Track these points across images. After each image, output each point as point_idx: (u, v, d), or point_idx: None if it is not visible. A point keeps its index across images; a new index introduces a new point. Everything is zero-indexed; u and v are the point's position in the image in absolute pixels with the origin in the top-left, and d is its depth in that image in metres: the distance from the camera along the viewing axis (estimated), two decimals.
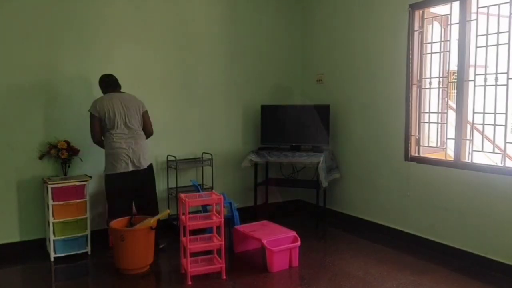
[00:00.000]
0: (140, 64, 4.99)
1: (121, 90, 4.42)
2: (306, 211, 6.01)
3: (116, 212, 4.24)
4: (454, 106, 4.41)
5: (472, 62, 4.16)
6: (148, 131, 4.45)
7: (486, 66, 4.10)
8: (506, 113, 3.90)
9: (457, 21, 4.23)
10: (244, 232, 4.33)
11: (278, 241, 4.08)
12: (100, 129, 4.29)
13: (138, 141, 4.28)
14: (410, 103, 4.66)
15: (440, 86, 4.59)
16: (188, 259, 3.80)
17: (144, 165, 4.32)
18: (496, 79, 3.97)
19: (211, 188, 5.23)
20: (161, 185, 5.21)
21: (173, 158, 5.10)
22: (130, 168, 4.23)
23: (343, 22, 5.46)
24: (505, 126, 3.93)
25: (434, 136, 4.68)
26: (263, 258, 4.06)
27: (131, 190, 4.31)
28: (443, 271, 4.00)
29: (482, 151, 4.20)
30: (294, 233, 4.23)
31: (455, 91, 4.37)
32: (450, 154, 4.46)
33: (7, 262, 4.26)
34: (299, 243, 4.14)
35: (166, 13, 5.12)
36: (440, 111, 4.60)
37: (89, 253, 4.46)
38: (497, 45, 3.98)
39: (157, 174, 5.12)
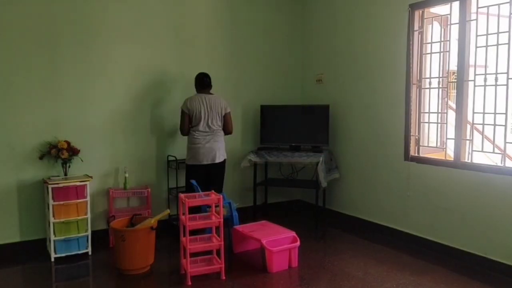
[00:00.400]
0: (140, 65, 5.00)
1: (210, 91, 4.89)
2: (305, 211, 6.01)
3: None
4: (454, 106, 4.41)
5: (472, 62, 4.16)
6: (227, 130, 4.92)
7: (486, 66, 4.10)
8: (506, 113, 3.90)
9: (457, 21, 4.23)
10: (243, 233, 4.33)
11: (278, 242, 4.08)
12: (189, 125, 4.79)
13: (216, 139, 4.78)
14: (410, 103, 4.66)
15: (440, 86, 4.59)
16: (188, 260, 3.80)
17: (218, 160, 4.79)
18: (496, 79, 3.97)
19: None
20: (162, 185, 5.23)
21: (173, 158, 5.11)
22: (206, 162, 4.74)
23: (343, 22, 5.46)
24: (505, 126, 3.93)
25: (434, 136, 4.67)
26: (263, 258, 4.06)
27: (204, 180, 4.74)
28: (442, 271, 4.00)
29: (482, 151, 4.20)
30: (293, 233, 4.23)
31: (455, 91, 4.37)
32: (450, 154, 4.46)
33: (8, 262, 4.27)
34: (298, 243, 4.15)
35: (166, 13, 5.12)
36: (440, 111, 4.60)
37: (90, 253, 4.46)
38: (497, 45, 3.98)
39: (158, 175, 5.16)
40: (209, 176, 4.81)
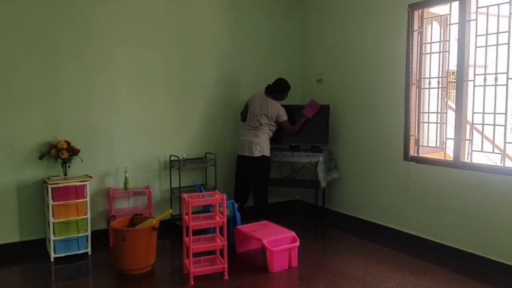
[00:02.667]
0: (141, 65, 4.98)
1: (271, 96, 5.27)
2: (305, 211, 6.01)
3: (235, 189, 5.32)
4: (453, 106, 4.41)
5: (471, 62, 4.17)
6: (288, 133, 5.40)
7: (485, 66, 4.11)
8: (505, 113, 3.92)
9: (457, 21, 4.24)
10: (245, 232, 4.33)
11: (278, 241, 4.08)
12: (245, 115, 5.32)
13: (257, 134, 5.12)
14: (409, 103, 4.67)
15: (440, 86, 4.60)
16: (191, 260, 3.79)
17: (256, 154, 5.06)
18: (496, 79, 3.98)
19: (214, 188, 5.24)
20: (163, 185, 5.23)
21: (175, 158, 5.12)
22: (246, 154, 5.11)
23: (343, 22, 5.47)
24: (505, 126, 3.94)
25: (433, 136, 4.68)
26: (264, 258, 4.06)
27: (246, 173, 5.22)
28: (442, 271, 4.02)
29: (481, 151, 4.21)
30: (293, 233, 4.22)
31: (455, 91, 4.38)
32: (450, 154, 4.47)
33: (7, 262, 4.26)
34: (298, 243, 4.13)
35: (167, 13, 5.11)
36: (439, 111, 4.61)
37: (90, 253, 4.46)
38: (497, 45, 4.00)
39: (160, 175, 5.16)
40: (249, 170, 5.17)
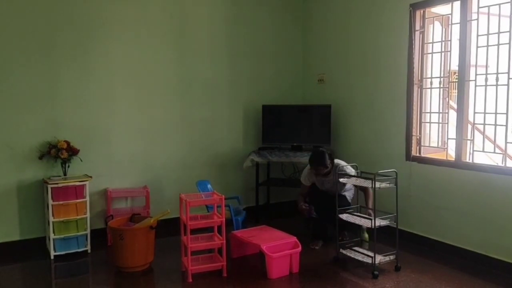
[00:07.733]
0: (140, 65, 4.99)
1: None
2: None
3: None
4: (455, 106, 4.40)
5: (473, 62, 4.15)
6: None
7: (487, 66, 4.09)
8: (506, 113, 3.89)
9: (458, 21, 4.23)
10: (241, 238, 4.21)
11: (278, 247, 3.95)
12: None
13: None
14: (411, 103, 4.65)
15: (441, 86, 4.59)
16: (189, 257, 3.79)
17: None
18: (497, 79, 3.96)
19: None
20: (163, 185, 5.23)
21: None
22: None
23: (344, 21, 5.46)
24: (506, 126, 3.92)
25: (435, 136, 4.66)
26: (262, 264, 3.96)
27: None
28: (443, 269, 4.01)
29: (483, 151, 4.19)
30: (294, 239, 4.10)
31: (456, 91, 4.36)
32: (452, 154, 4.45)
33: (8, 260, 4.27)
34: (299, 248, 4.01)
35: (166, 13, 5.12)
36: (441, 111, 4.59)
37: (89, 251, 4.46)
38: (498, 45, 3.97)
39: (158, 174, 5.15)
40: None
